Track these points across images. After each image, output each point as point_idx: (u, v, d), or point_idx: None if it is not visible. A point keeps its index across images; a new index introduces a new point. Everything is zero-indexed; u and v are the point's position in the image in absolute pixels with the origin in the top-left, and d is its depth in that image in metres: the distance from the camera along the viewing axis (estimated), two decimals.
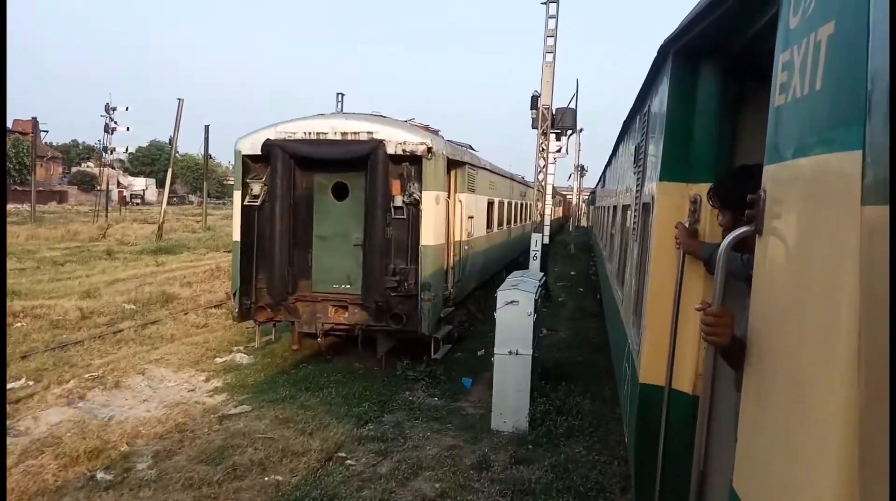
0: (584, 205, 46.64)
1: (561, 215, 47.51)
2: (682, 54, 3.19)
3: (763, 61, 2.02)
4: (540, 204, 14.40)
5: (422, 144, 7.86)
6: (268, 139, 8.07)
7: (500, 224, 13.56)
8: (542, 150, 14.38)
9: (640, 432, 3.58)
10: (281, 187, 7.99)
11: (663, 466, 3.25)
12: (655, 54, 3.66)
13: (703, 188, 3.04)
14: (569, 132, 16.39)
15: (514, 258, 17.52)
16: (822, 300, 1.32)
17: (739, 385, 1.93)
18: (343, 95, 22.60)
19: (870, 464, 1.10)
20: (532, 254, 13.64)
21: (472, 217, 10.01)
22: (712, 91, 3.11)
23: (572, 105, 15.94)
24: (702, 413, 2.69)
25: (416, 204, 7.97)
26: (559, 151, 16.19)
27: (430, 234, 8.00)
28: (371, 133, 7.97)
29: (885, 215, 1.07)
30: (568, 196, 53.30)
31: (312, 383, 8.22)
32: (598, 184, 22.94)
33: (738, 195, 2.05)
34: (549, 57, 13.29)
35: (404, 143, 7.87)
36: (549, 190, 15.94)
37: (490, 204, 12.09)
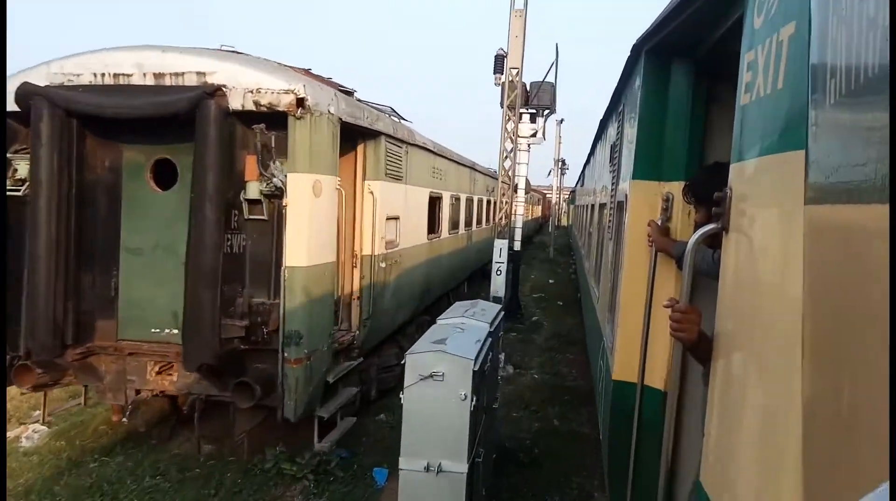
0: (564, 204, 43.87)
1: (540, 214, 44.92)
2: (654, 53, 3.15)
3: (732, 61, 1.98)
4: (506, 200, 11.00)
5: (288, 92, 4.58)
6: (26, 84, 4.71)
7: (453, 228, 10.23)
8: (510, 130, 11.06)
9: (614, 428, 3.56)
10: (49, 167, 4.63)
11: (636, 461, 3.22)
12: (629, 53, 3.64)
13: (675, 187, 3.05)
14: (546, 113, 13.22)
15: (482, 268, 14.27)
16: (777, 298, 1.35)
17: (707, 381, 1.94)
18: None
19: (813, 458, 1.09)
20: (495, 268, 10.21)
21: (396, 218, 6.71)
22: (684, 90, 3.09)
23: (550, 78, 12.78)
24: (670, 409, 2.66)
25: (280, 196, 4.70)
26: (534, 135, 13.01)
27: (301, 246, 4.71)
28: (203, 74, 4.67)
29: (826, 215, 1.08)
30: (548, 195, 50.44)
31: (108, 493, 4.93)
32: (577, 183, 22.06)
33: (712, 192, 1.92)
34: (520, 2, 9.89)
35: (258, 90, 4.57)
36: (521, 183, 12.73)
37: (435, 200, 8.76)
